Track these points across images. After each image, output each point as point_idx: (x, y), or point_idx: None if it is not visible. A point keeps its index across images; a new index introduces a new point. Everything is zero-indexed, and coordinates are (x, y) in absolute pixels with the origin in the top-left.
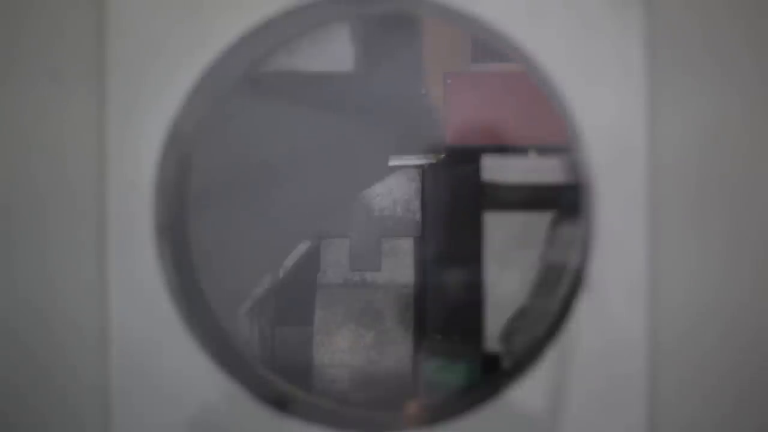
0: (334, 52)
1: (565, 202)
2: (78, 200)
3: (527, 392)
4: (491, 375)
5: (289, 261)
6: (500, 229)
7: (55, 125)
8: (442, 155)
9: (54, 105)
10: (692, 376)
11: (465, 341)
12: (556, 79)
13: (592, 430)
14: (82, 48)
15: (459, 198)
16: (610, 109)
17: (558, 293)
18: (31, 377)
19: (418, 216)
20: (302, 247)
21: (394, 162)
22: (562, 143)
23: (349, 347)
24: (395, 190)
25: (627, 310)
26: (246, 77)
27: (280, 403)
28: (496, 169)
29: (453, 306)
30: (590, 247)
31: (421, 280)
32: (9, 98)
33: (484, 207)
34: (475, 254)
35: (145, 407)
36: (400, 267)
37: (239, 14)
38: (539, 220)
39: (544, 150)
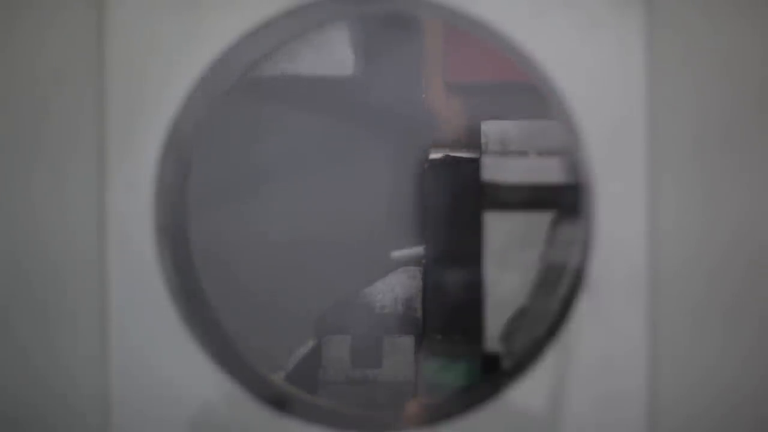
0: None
1: (565, 202)
2: (78, 200)
3: (527, 392)
4: (491, 375)
5: (292, 360)
6: (500, 229)
7: (55, 125)
8: (443, 155)
9: (54, 105)
10: (692, 375)
11: (465, 341)
12: (556, 80)
13: (592, 429)
14: (82, 48)
15: (459, 198)
16: (610, 109)
17: (558, 293)
18: (31, 377)
19: (419, 314)
20: (305, 347)
21: (396, 255)
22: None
23: None
24: (397, 288)
25: (627, 310)
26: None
27: (280, 404)
28: (496, 169)
29: (453, 306)
30: (590, 247)
31: (423, 280)
32: (9, 98)
33: (484, 207)
34: (475, 254)
35: (145, 407)
36: (401, 364)
37: (239, 14)
38: (539, 220)
39: (544, 150)
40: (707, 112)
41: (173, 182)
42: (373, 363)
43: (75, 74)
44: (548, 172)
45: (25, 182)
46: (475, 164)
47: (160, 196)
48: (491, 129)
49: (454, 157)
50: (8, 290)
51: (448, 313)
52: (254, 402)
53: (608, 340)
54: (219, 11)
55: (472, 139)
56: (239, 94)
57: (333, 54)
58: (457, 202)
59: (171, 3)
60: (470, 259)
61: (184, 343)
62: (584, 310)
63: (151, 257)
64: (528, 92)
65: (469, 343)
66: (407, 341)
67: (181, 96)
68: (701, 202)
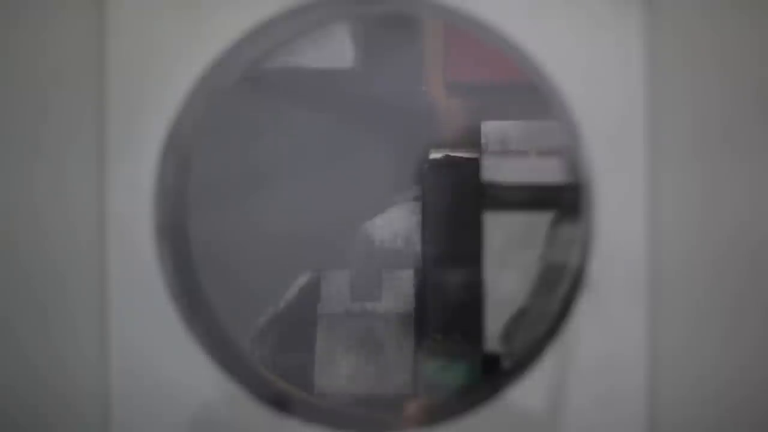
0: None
1: (565, 202)
2: (78, 200)
3: (527, 392)
4: (491, 375)
5: (291, 292)
6: (500, 229)
7: (55, 125)
8: (443, 155)
9: (54, 105)
10: (692, 375)
11: (465, 341)
12: (556, 80)
13: (592, 429)
14: (82, 48)
15: (459, 198)
16: (610, 108)
17: (558, 293)
18: (31, 378)
19: (418, 248)
20: (303, 279)
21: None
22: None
23: (350, 376)
24: (396, 222)
25: (627, 310)
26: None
27: (280, 404)
28: (496, 169)
29: (453, 306)
30: (590, 247)
31: (422, 280)
32: (9, 98)
33: (484, 207)
34: (475, 254)
35: (145, 407)
36: (400, 297)
37: (239, 14)
38: (539, 220)
39: (544, 150)
40: (707, 111)
41: (173, 182)
42: (373, 296)
43: (75, 74)
44: (548, 172)
45: (25, 182)
46: (475, 164)
47: (160, 196)
48: (491, 129)
49: (454, 157)
50: (8, 290)
51: (448, 314)
52: (254, 402)
53: (608, 339)
54: (219, 11)
55: (472, 139)
56: (238, 89)
57: (333, 50)
58: (457, 202)
59: (171, 3)
60: (470, 260)
61: (184, 343)
62: (584, 310)
63: (151, 257)
64: (528, 92)
65: (469, 343)
66: (406, 274)
67: (181, 96)
68: (701, 202)
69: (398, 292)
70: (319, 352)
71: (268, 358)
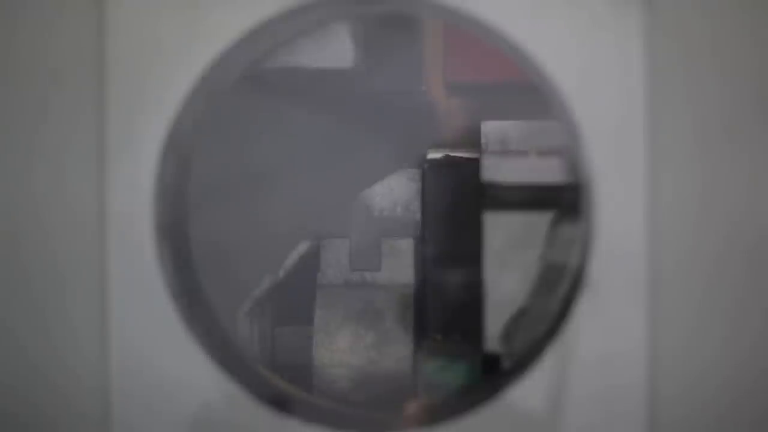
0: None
1: (565, 202)
2: (78, 200)
3: (527, 392)
4: (491, 375)
5: (289, 261)
6: (500, 229)
7: (55, 125)
8: (443, 155)
9: (54, 106)
10: (691, 374)
11: (465, 341)
12: (556, 80)
13: (592, 428)
14: (82, 48)
15: (459, 198)
16: (610, 108)
17: (558, 293)
18: (31, 377)
19: (417, 216)
20: (302, 248)
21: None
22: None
23: (349, 347)
24: (395, 191)
25: (627, 310)
26: (247, 75)
27: (280, 404)
28: (496, 169)
29: (453, 306)
30: (590, 247)
31: (422, 280)
32: (9, 98)
33: (484, 207)
34: (475, 254)
35: (145, 407)
36: (400, 267)
37: (238, 14)
38: (539, 220)
39: (544, 150)
40: (707, 112)
41: (173, 181)
42: (372, 266)
43: (75, 74)
44: (548, 172)
45: (26, 182)
46: (475, 164)
47: (160, 195)
48: (491, 129)
49: (454, 157)
50: (8, 290)
51: (448, 314)
52: (254, 402)
53: (608, 339)
54: (219, 11)
55: (472, 139)
56: (238, 89)
57: (333, 49)
58: (457, 202)
59: (171, 3)
60: (470, 259)
61: (184, 343)
62: (584, 310)
63: (151, 257)
64: (528, 92)
65: (469, 343)
66: (406, 243)
67: (181, 96)
68: (701, 202)
69: (398, 261)
70: (317, 324)
71: (266, 330)
